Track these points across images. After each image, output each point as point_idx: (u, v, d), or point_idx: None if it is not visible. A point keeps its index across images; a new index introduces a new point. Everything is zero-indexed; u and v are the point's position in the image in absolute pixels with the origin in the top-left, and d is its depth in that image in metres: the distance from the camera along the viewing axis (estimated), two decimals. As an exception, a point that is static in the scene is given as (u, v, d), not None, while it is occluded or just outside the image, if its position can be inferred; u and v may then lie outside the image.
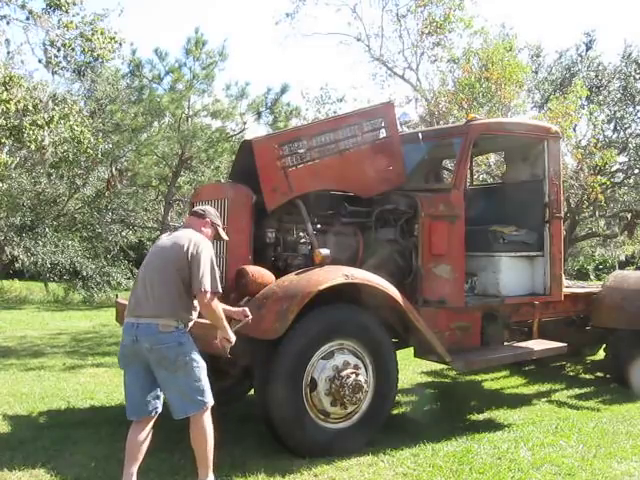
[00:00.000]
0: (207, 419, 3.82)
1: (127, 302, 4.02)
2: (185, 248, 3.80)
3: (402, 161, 5.76)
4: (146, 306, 3.76)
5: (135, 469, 3.79)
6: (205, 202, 5.35)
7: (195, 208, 4.31)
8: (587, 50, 16.48)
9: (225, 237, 4.33)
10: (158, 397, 3.87)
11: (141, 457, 3.81)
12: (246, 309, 4.20)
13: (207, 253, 3.84)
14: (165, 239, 4.02)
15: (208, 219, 4.12)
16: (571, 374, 8.07)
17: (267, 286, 4.66)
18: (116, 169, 16.41)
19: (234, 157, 6.04)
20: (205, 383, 3.82)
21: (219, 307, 3.85)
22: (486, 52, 12.31)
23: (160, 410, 3.89)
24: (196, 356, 3.80)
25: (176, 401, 3.77)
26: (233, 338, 3.91)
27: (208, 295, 3.74)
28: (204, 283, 3.73)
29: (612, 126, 15.66)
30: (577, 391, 6.98)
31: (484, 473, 4.33)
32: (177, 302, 3.77)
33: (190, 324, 3.89)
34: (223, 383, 5.92)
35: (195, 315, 3.92)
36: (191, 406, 3.76)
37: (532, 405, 6.37)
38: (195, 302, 3.87)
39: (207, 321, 4.12)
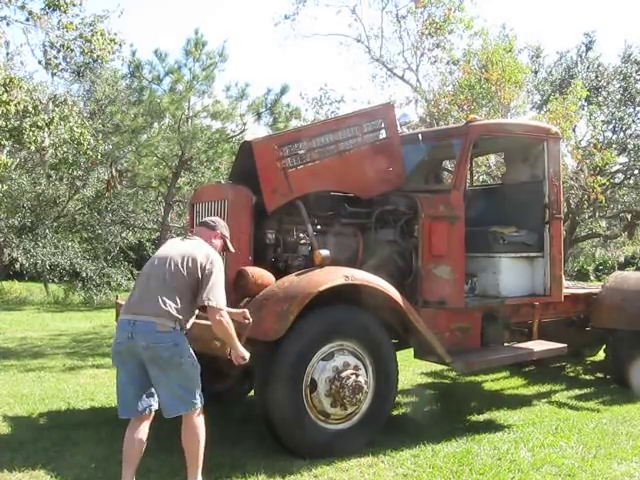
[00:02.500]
0: (199, 420, 3.82)
1: (126, 301, 4.03)
2: (199, 261, 3.83)
3: (402, 162, 5.76)
4: (147, 305, 3.76)
5: (133, 470, 3.79)
6: (205, 203, 5.35)
7: (206, 219, 4.34)
8: (587, 51, 16.48)
9: (232, 249, 4.37)
10: (152, 395, 3.86)
11: (139, 458, 3.81)
12: (246, 311, 4.21)
13: (220, 270, 3.90)
14: (177, 246, 4.01)
15: (219, 231, 4.18)
16: (571, 375, 8.07)
17: (267, 287, 4.66)
18: (116, 170, 16.39)
19: (234, 158, 6.05)
20: (197, 384, 3.83)
21: (231, 324, 3.85)
22: (486, 53, 12.30)
23: (155, 408, 3.89)
24: (190, 358, 3.82)
25: (167, 400, 3.77)
26: (247, 355, 3.92)
27: (222, 312, 3.78)
28: (217, 299, 3.77)
29: (612, 127, 15.65)
30: (577, 392, 6.98)
31: (484, 474, 4.33)
32: (180, 306, 3.78)
33: (187, 327, 3.89)
34: (223, 384, 5.93)
35: (192, 321, 3.93)
36: (181, 405, 3.76)
37: (532, 406, 6.37)
38: (195, 310, 3.90)
39: (207, 322, 4.13)
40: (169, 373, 3.73)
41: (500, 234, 6.01)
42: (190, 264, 3.82)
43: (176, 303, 3.77)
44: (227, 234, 4.26)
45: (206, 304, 3.77)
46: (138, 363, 3.77)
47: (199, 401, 3.82)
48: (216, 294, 3.78)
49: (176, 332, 3.77)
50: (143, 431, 3.82)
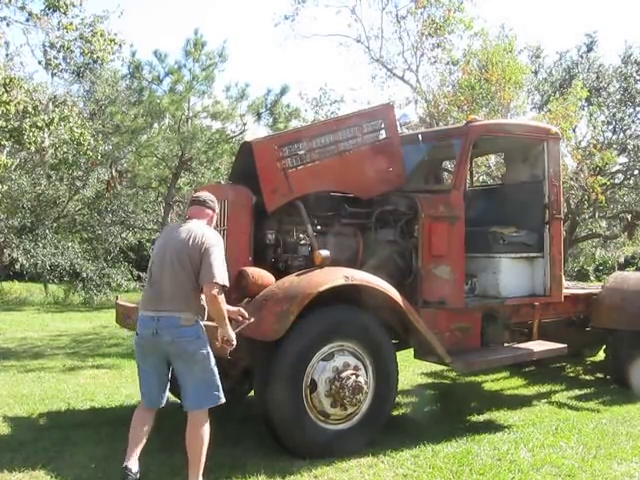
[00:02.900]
0: (206, 418, 3.86)
1: (143, 295, 4.05)
2: (199, 242, 3.82)
3: (402, 162, 5.76)
4: (166, 300, 3.81)
5: (139, 450, 3.89)
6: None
7: (200, 196, 4.18)
8: (588, 51, 16.48)
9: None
10: (167, 389, 4.03)
11: (145, 439, 3.93)
12: (241, 309, 4.22)
13: (219, 247, 3.89)
14: (177, 235, 3.93)
15: (217, 210, 4.19)
16: (571, 375, 8.07)
17: (267, 287, 4.66)
18: (116, 170, 16.42)
19: (234, 158, 6.05)
20: (219, 379, 3.88)
21: (224, 302, 3.83)
22: (486, 53, 12.31)
23: (165, 401, 4.03)
24: (211, 351, 3.87)
25: (192, 394, 3.83)
26: (234, 339, 3.90)
27: (216, 288, 3.73)
28: (214, 274, 3.73)
29: (612, 127, 15.66)
30: (577, 392, 6.98)
31: (484, 474, 4.33)
32: (194, 295, 3.83)
33: (206, 315, 3.93)
34: (223, 384, 5.92)
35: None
36: (206, 400, 3.83)
37: (532, 406, 6.37)
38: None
39: (207, 322, 4.15)
40: (193, 367, 3.80)
41: (500, 234, 6.01)
42: (192, 252, 3.81)
43: (192, 295, 3.82)
44: (218, 209, 4.28)
45: (206, 282, 3.74)
46: (162, 358, 3.87)
47: (222, 397, 3.88)
48: (215, 271, 3.74)
49: (198, 325, 3.84)
50: (151, 418, 3.98)
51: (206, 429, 3.84)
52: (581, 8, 44.05)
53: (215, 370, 3.86)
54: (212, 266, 3.75)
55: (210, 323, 4.16)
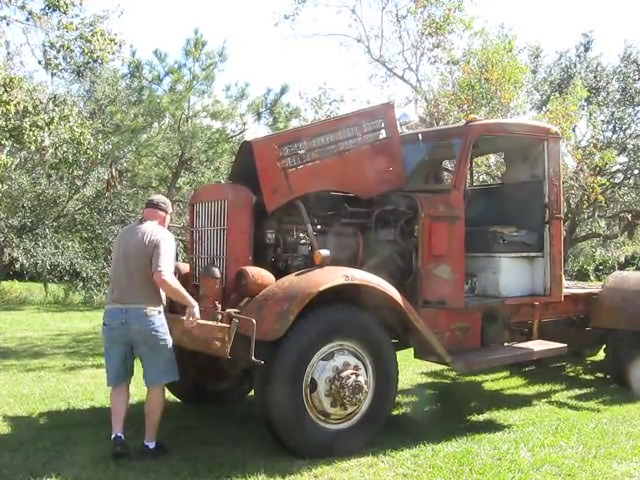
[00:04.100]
0: (164, 391, 4.59)
1: (110, 290, 4.61)
2: (151, 240, 4.38)
3: (402, 162, 5.75)
4: (131, 295, 4.39)
5: (123, 422, 4.49)
6: (205, 203, 5.36)
7: (153, 199, 4.77)
8: (585, 51, 16.48)
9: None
10: (131, 367, 4.63)
11: (125, 411, 4.54)
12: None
13: (168, 243, 4.44)
14: (136, 235, 4.48)
15: (170, 211, 4.76)
16: (571, 375, 8.07)
17: (267, 287, 4.66)
18: (116, 170, 16.38)
19: (234, 158, 6.04)
20: (174, 359, 4.51)
21: (175, 281, 4.39)
22: (486, 53, 12.29)
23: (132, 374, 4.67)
24: (169, 337, 4.48)
25: (153, 371, 4.45)
26: (197, 313, 4.32)
27: (162, 272, 4.28)
28: (159, 264, 4.29)
29: (611, 127, 15.66)
30: (577, 392, 6.98)
31: (484, 474, 4.33)
32: (154, 290, 4.42)
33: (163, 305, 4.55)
34: (223, 384, 5.93)
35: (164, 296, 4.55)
36: (165, 376, 4.50)
37: (532, 406, 6.37)
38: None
39: (207, 322, 4.20)
40: (157, 351, 4.41)
41: (500, 234, 6.00)
42: (148, 251, 4.36)
43: (153, 289, 4.41)
44: (170, 210, 4.83)
45: (153, 271, 4.31)
46: (125, 344, 4.46)
47: (176, 373, 4.53)
48: (160, 261, 4.30)
49: (161, 315, 4.45)
50: (126, 392, 4.63)
51: (163, 398, 4.56)
52: (580, 8, 44.07)
53: (172, 351, 4.47)
54: (158, 258, 4.30)
55: (210, 322, 4.23)
